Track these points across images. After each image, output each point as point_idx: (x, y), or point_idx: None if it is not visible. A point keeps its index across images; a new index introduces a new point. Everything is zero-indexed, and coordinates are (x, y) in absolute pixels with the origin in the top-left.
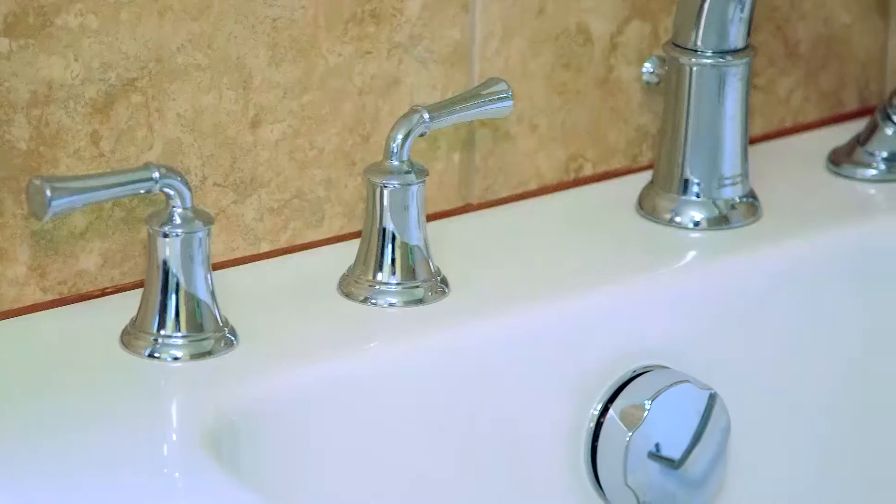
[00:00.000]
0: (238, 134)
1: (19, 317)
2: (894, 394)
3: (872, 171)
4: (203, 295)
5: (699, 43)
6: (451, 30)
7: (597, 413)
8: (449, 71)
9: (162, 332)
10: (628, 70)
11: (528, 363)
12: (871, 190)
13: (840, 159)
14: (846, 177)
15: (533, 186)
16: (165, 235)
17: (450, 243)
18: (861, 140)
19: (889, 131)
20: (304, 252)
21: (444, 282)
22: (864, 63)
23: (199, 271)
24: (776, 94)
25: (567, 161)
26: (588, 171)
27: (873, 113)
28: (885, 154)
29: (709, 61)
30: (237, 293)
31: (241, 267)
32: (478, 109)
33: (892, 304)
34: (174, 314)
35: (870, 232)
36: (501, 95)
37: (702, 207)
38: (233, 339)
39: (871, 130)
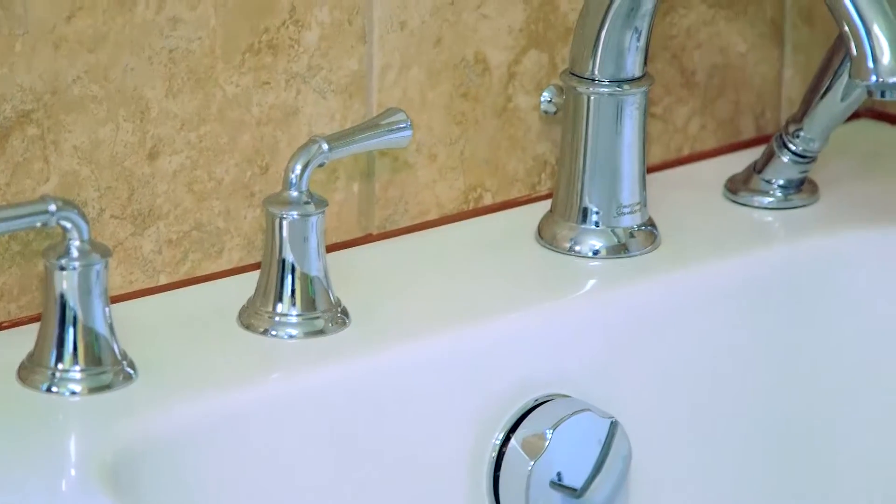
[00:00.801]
0: (135, 166)
1: None
2: (796, 418)
3: (769, 199)
4: (101, 328)
5: (596, 72)
6: (348, 60)
7: (498, 442)
8: (347, 101)
9: (59, 367)
10: (526, 99)
11: (430, 393)
12: (769, 217)
13: (737, 187)
14: (743, 204)
15: (433, 216)
16: (62, 269)
17: (350, 274)
18: (758, 168)
19: (785, 159)
20: (204, 284)
21: (345, 312)
22: (760, 91)
23: (97, 304)
24: (673, 122)
25: (466, 191)
26: (488, 200)
27: (769, 141)
28: (781, 181)
29: (606, 90)
30: (136, 326)
31: (139, 300)
32: (377, 140)
33: (790, 329)
34: (72, 348)
35: (767, 259)
36: (400, 125)
37: (601, 236)
38: (132, 372)
39: (768, 158)
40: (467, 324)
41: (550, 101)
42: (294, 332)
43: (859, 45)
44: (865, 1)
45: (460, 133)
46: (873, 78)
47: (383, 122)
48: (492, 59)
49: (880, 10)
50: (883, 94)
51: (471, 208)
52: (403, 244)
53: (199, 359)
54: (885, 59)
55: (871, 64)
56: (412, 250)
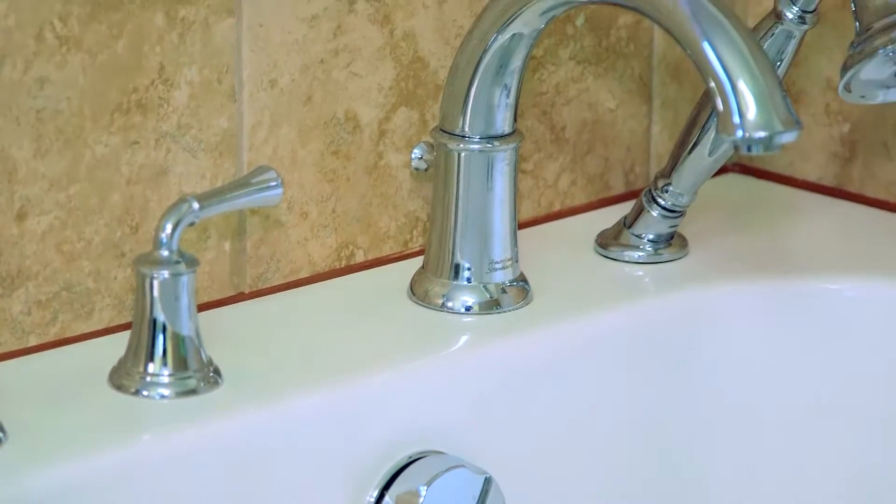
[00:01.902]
0: (3, 227)
1: None
2: (669, 467)
3: (639, 253)
4: None
5: (466, 129)
6: (218, 119)
7: (373, 500)
8: (218, 160)
9: None
10: (397, 156)
11: (303, 450)
12: (639, 272)
13: (608, 242)
14: (614, 259)
15: (305, 274)
16: None
17: (222, 333)
18: (628, 223)
19: (654, 213)
20: (74, 345)
21: (217, 372)
22: (629, 147)
23: None
24: (544, 178)
25: (338, 248)
26: (360, 257)
27: (639, 196)
28: (651, 236)
29: (476, 147)
30: (4, 388)
31: (8, 361)
32: (247, 198)
33: (662, 380)
34: None
35: (638, 313)
36: (271, 184)
37: (473, 292)
38: (0, 435)
39: (638, 213)
40: (340, 381)
41: (421, 157)
42: (166, 392)
43: (725, 101)
44: (731, 57)
45: (332, 191)
46: (739, 133)
47: (254, 181)
48: (362, 117)
49: (746, 66)
50: (749, 149)
51: (343, 266)
52: (276, 302)
53: (69, 421)
54: (751, 114)
55: (737, 119)
56: (284, 308)
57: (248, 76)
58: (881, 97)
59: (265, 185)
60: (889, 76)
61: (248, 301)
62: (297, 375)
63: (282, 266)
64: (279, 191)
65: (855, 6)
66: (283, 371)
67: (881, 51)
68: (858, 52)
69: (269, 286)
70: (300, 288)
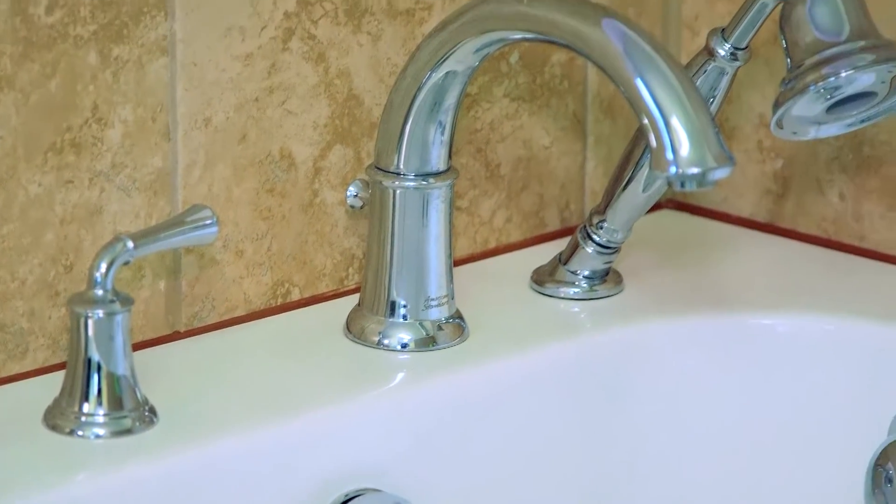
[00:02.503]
0: None
1: None
2: (610, 502)
3: (575, 290)
4: None
5: (401, 166)
6: (153, 158)
7: None
8: (152, 199)
9: None
10: (332, 194)
11: (239, 489)
12: (575, 308)
13: (543, 278)
14: (549, 295)
15: (241, 313)
16: None
17: (158, 372)
18: (563, 259)
19: (590, 250)
20: (8, 385)
21: (153, 411)
22: (564, 184)
23: None
24: (479, 215)
25: (274, 286)
26: (296, 295)
27: (574, 232)
28: (586, 272)
29: (411, 184)
30: None
31: None
32: (182, 237)
33: (598, 416)
34: None
35: (574, 349)
36: (206, 222)
37: (409, 329)
38: None
39: (573, 249)
40: (276, 419)
41: (356, 195)
42: (101, 431)
43: (658, 137)
44: (664, 94)
45: (267, 229)
46: (673, 169)
47: (189, 219)
48: (297, 155)
49: (679, 102)
50: (683, 185)
51: (279, 304)
52: (211, 341)
53: (3, 461)
54: (684, 150)
55: (670, 156)
56: (220, 347)
57: (183, 115)
58: (813, 133)
59: (200, 224)
60: (820, 113)
61: (183, 340)
62: (233, 414)
63: (217, 305)
64: (214, 229)
65: (786, 43)
66: (218, 410)
67: (812, 87)
68: (790, 88)
69: (204, 325)
70: (236, 326)
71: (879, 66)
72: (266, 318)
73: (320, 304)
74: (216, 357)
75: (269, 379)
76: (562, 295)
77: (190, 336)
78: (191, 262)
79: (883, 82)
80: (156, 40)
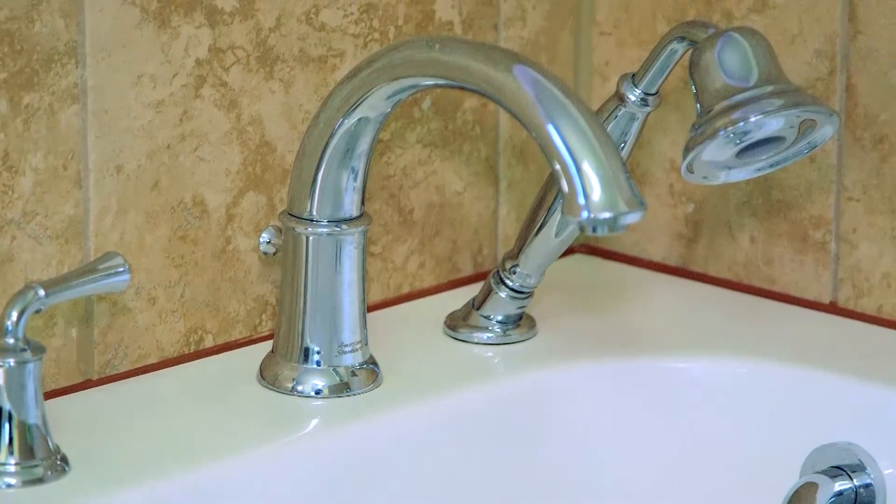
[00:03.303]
0: None
1: None
2: None
3: (488, 335)
4: None
5: (314, 212)
6: (64, 205)
7: None
8: (64, 246)
9: None
10: (246, 241)
11: None
12: (488, 353)
13: (457, 324)
14: (463, 341)
15: (154, 360)
16: None
17: (70, 420)
18: (476, 304)
19: (503, 295)
20: None
21: (65, 459)
22: (477, 229)
23: None
24: (393, 260)
25: (187, 333)
26: (209, 342)
27: (487, 277)
28: (499, 317)
29: (325, 230)
30: None
31: None
32: (94, 284)
33: (512, 461)
34: None
35: (488, 394)
36: (118, 269)
37: (323, 375)
38: None
39: (486, 295)
40: (189, 467)
41: (269, 242)
42: (12, 481)
43: (570, 183)
44: (575, 139)
45: (180, 276)
46: (584, 214)
47: (101, 267)
48: (210, 202)
49: (590, 148)
50: (594, 230)
51: (192, 351)
52: (124, 389)
53: None
54: (596, 195)
55: (582, 201)
56: (133, 395)
57: (94, 162)
58: (723, 178)
59: (112, 272)
60: (730, 157)
61: (96, 388)
62: (146, 462)
63: (130, 352)
64: (126, 277)
65: (695, 88)
66: (131, 458)
67: (722, 132)
68: (700, 133)
69: (117, 373)
70: (149, 374)
71: (788, 112)
72: (179, 366)
73: (234, 351)
74: (129, 405)
75: (182, 427)
76: (475, 340)
77: (102, 384)
78: (103, 310)
79: (791, 127)
80: (67, 88)
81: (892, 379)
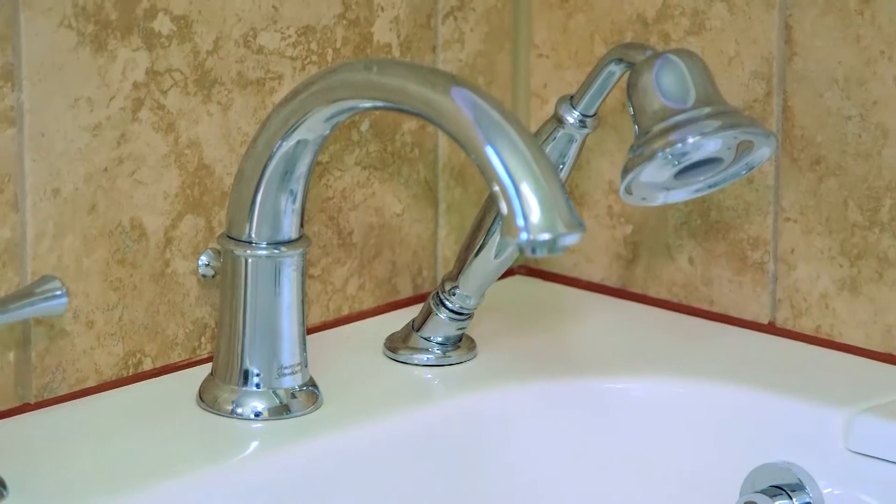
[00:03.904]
0: None
1: None
2: None
3: (428, 356)
4: None
5: (253, 235)
6: (1, 229)
7: None
8: (1, 270)
9: None
10: (184, 264)
11: None
12: (428, 374)
13: (396, 345)
14: (403, 362)
15: (92, 383)
16: None
17: (7, 444)
18: (416, 326)
19: (442, 316)
20: None
21: (2, 484)
22: (416, 251)
23: None
24: (332, 283)
25: (126, 356)
26: (148, 365)
27: (427, 299)
28: (439, 339)
29: (263, 253)
30: None
31: None
32: (31, 308)
33: (453, 482)
34: None
35: (427, 415)
36: (55, 293)
37: (262, 398)
38: None
39: (426, 316)
40: (128, 490)
41: (208, 264)
42: None
43: (509, 204)
44: (514, 161)
45: (118, 299)
46: (524, 236)
47: (38, 290)
48: (148, 225)
49: (529, 170)
50: (534, 252)
51: (131, 374)
52: (62, 412)
53: None
54: (535, 217)
55: (521, 222)
56: (71, 418)
57: (31, 185)
58: (661, 199)
59: (49, 295)
60: (668, 178)
61: (33, 412)
62: (85, 486)
63: (68, 376)
64: (64, 300)
65: (633, 110)
66: (69, 482)
67: (660, 154)
68: (638, 155)
69: (55, 396)
70: (87, 397)
71: (725, 133)
72: (118, 389)
73: (173, 374)
74: (67, 429)
75: (121, 450)
76: (415, 362)
77: (41, 408)
78: (41, 334)
79: (729, 148)
80: (3, 111)
81: (830, 399)
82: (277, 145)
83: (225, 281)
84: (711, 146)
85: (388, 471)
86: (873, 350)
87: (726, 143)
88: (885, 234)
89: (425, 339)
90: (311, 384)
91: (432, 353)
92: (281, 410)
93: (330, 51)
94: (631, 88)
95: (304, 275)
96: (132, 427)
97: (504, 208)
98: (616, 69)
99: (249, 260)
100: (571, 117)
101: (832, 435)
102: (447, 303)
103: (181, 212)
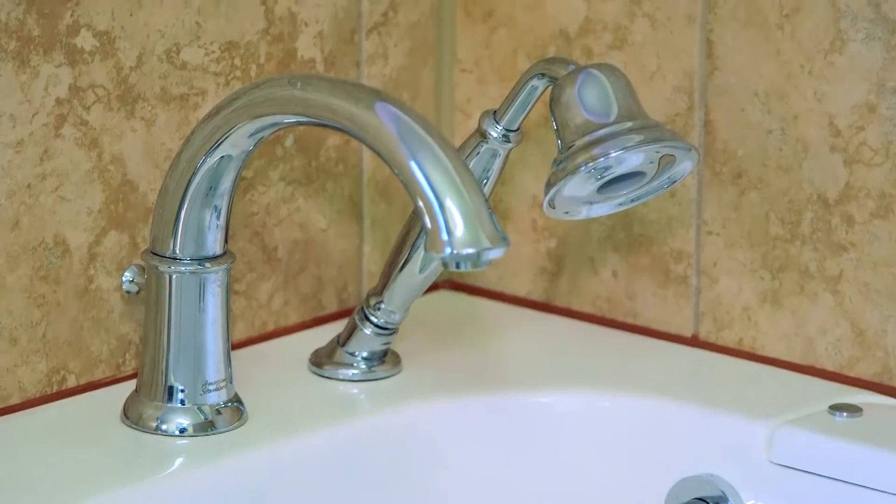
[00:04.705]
0: None
1: None
2: None
3: (354, 371)
4: None
5: (177, 251)
6: None
7: None
8: None
9: None
10: (108, 280)
11: None
12: (354, 389)
13: (322, 360)
14: (329, 377)
15: (16, 401)
16: None
17: None
18: (341, 341)
19: (367, 331)
20: None
21: None
22: (341, 266)
23: None
24: (257, 298)
25: (49, 373)
26: (72, 382)
27: (352, 314)
28: (365, 354)
29: (188, 269)
30: None
31: None
32: None
33: (379, 497)
34: None
35: (354, 430)
36: None
37: (187, 414)
38: None
39: (351, 331)
40: None
41: (132, 280)
42: None
43: (433, 219)
44: (438, 176)
45: (42, 316)
46: (448, 250)
47: None
48: (72, 241)
49: (453, 185)
50: (458, 266)
51: (55, 391)
52: None
53: None
54: (459, 231)
55: (445, 237)
56: None
57: None
58: (585, 213)
59: None
60: (592, 192)
61: None
62: None
63: None
64: None
65: (556, 125)
66: None
67: (583, 168)
68: (561, 169)
69: None
70: (11, 415)
71: (647, 147)
72: (42, 406)
73: (97, 391)
74: None
75: (45, 468)
76: (340, 377)
77: None
78: None
79: (651, 162)
80: None
81: (753, 411)
82: (201, 161)
83: (149, 297)
84: (634, 160)
85: (314, 486)
86: (795, 362)
87: (648, 157)
88: (805, 247)
89: (350, 354)
90: (237, 400)
91: (358, 368)
92: (206, 427)
93: (254, 66)
94: (554, 103)
95: (229, 290)
96: (56, 445)
97: (428, 223)
98: (539, 84)
99: (174, 276)
100: (495, 132)
101: (755, 447)
102: (372, 318)
103: (105, 228)
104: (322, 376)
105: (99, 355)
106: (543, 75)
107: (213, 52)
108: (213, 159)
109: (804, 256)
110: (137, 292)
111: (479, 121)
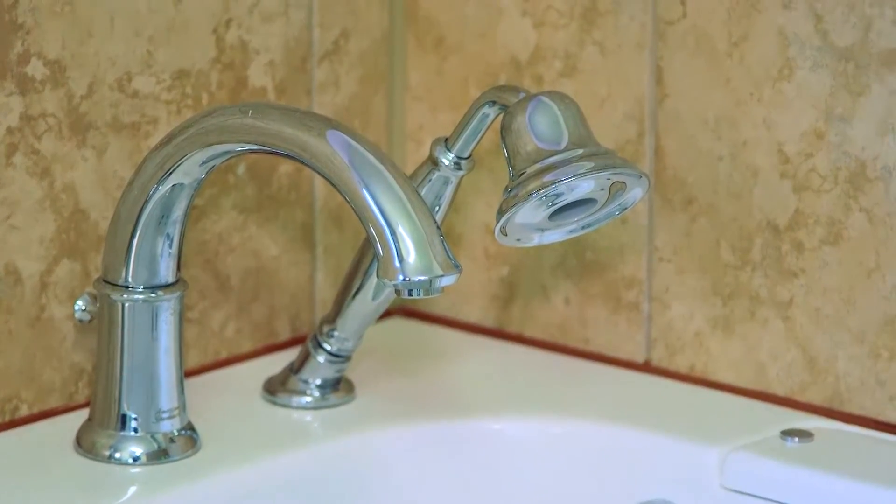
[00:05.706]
0: None
1: None
2: None
3: (307, 399)
4: None
5: (130, 279)
6: None
7: None
8: None
9: None
10: (60, 308)
11: None
12: (307, 417)
13: (275, 388)
14: (282, 405)
15: None
16: None
17: None
18: (295, 368)
19: (321, 359)
20: None
21: None
22: (294, 293)
23: None
24: (210, 326)
25: (1, 403)
26: (24, 411)
27: (305, 342)
28: (318, 381)
29: (140, 297)
30: None
31: None
32: None
33: None
34: None
35: (307, 457)
36: None
37: (140, 442)
38: None
39: (304, 359)
40: None
41: (85, 309)
42: None
43: (385, 246)
44: (389, 204)
45: None
46: (400, 277)
47: None
48: (23, 270)
49: (404, 212)
50: (410, 293)
51: (6, 420)
52: None
53: None
54: (411, 259)
55: (397, 264)
56: None
57: None
58: (536, 240)
59: None
60: (543, 219)
61: None
62: None
63: None
64: None
65: (507, 152)
66: None
67: (534, 195)
68: (512, 196)
69: None
70: None
71: (598, 174)
72: None
73: (49, 420)
74: None
75: None
76: (294, 404)
77: None
78: None
79: (602, 189)
80: None
81: (705, 436)
82: (153, 189)
83: (102, 325)
84: (585, 187)
85: None
86: (746, 388)
87: (599, 183)
88: (756, 274)
89: (304, 381)
90: (190, 428)
91: (311, 395)
92: (159, 455)
93: (205, 94)
94: (505, 130)
95: (182, 318)
96: (8, 475)
97: (380, 250)
98: (490, 111)
99: (126, 304)
100: (446, 159)
101: (707, 472)
102: (325, 345)
103: (57, 256)
104: (276, 404)
105: (52, 384)
106: (494, 103)
107: (164, 80)
108: (166, 187)
109: (755, 283)
110: (90, 321)
111: (431, 148)
